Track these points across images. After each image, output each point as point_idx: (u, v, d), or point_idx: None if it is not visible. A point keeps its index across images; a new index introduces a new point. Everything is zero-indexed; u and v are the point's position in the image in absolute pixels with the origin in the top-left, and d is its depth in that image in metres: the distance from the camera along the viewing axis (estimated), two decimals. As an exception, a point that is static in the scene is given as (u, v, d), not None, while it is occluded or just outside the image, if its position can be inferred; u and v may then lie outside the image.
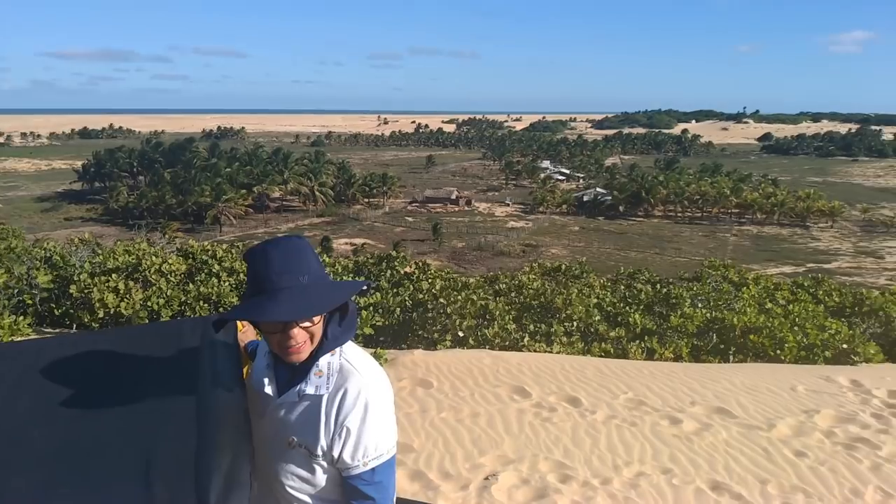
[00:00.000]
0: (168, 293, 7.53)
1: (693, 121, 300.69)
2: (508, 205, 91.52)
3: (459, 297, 8.60)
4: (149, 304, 7.32)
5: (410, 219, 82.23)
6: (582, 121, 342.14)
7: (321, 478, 1.57)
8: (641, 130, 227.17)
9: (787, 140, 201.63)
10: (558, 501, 4.16)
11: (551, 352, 7.63)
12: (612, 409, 5.72)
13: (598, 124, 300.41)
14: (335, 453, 1.52)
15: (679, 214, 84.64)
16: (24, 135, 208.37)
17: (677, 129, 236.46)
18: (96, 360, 1.64)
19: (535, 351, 7.70)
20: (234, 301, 8.06)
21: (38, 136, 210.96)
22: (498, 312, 8.36)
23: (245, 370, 1.73)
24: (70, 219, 78.83)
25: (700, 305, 9.38)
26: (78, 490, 1.31)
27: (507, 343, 7.91)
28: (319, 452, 1.53)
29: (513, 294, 9.31)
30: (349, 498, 1.57)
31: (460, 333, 8.14)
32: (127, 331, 2.01)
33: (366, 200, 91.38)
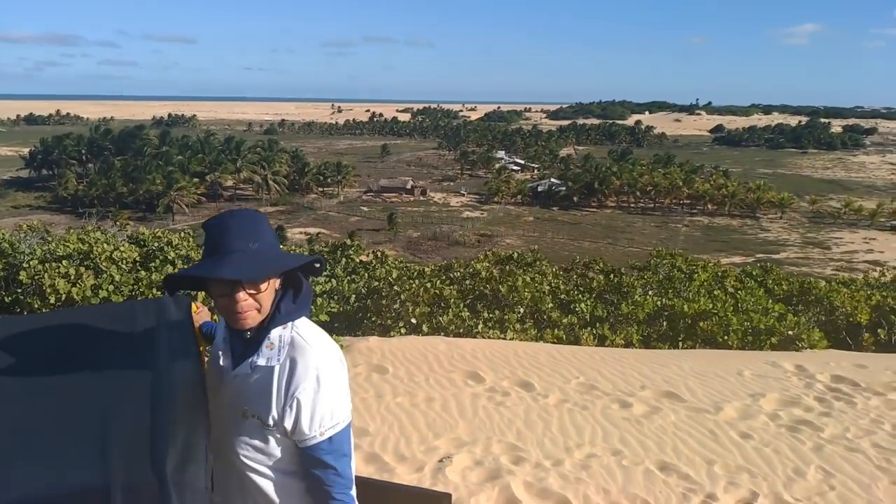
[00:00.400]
0: (119, 279, 7.31)
1: (646, 112, 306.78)
2: (463, 195, 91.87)
3: (414, 285, 8.58)
4: (100, 291, 7.10)
5: (365, 208, 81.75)
6: (537, 111, 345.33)
7: (275, 448, 1.60)
8: (595, 121, 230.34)
9: (738, 132, 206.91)
10: (511, 482, 4.19)
11: (505, 338, 7.68)
12: (564, 394, 5.79)
13: (553, 115, 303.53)
14: (287, 424, 1.55)
15: (632, 205, 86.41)
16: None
17: (631, 121, 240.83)
18: (50, 339, 1.65)
19: (488, 337, 7.75)
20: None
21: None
22: (452, 300, 8.37)
23: (201, 350, 1.74)
24: (18, 206, 76.06)
25: (650, 293, 9.58)
26: (34, 463, 1.31)
27: (461, 330, 7.93)
28: (271, 423, 1.56)
29: (467, 282, 9.33)
30: (310, 468, 1.59)
31: (414, 320, 8.13)
32: (80, 310, 2.06)
33: (320, 189, 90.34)
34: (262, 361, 1.57)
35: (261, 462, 1.61)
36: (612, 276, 10.08)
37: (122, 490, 1.27)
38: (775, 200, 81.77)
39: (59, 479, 1.29)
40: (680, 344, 8.01)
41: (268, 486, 1.62)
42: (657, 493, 4.12)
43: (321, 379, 1.55)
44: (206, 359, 1.77)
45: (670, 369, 6.50)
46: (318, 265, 1.67)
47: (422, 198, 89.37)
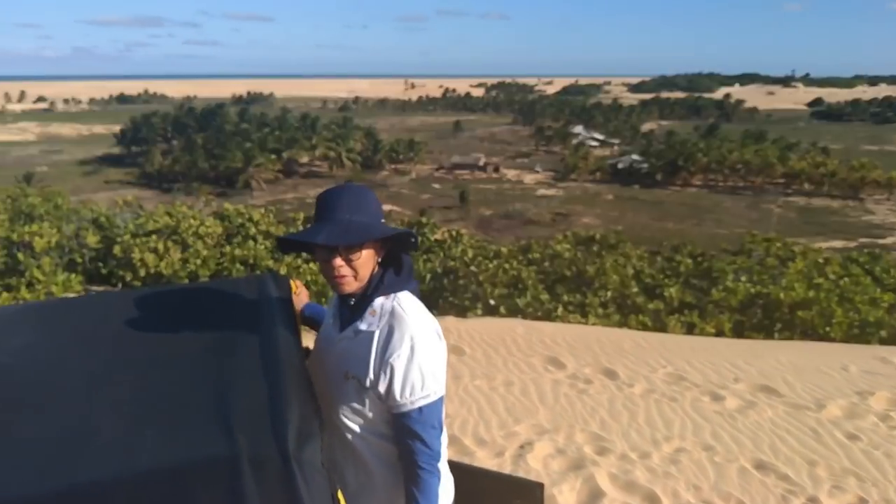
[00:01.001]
0: (205, 254, 7.61)
1: (737, 84, 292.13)
2: (538, 172, 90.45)
3: (491, 265, 8.45)
4: (187, 264, 7.42)
5: (437, 186, 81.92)
6: (617, 84, 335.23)
7: (371, 411, 1.69)
8: (681, 95, 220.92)
9: (840, 105, 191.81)
10: (595, 473, 4.04)
11: (586, 323, 7.46)
12: (651, 384, 5.56)
13: (635, 88, 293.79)
14: (381, 388, 1.63)
15: (720, 184, 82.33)
16: (66, 101, 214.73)
17: (719, 94, 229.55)
18: (164, 313, 1.79)
19: (568, 322, 7.54)
20: (270, 263, 8.18)
21: (79, 101, 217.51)
22: (531, 282, 8.19)
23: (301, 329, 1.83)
24: (109, 182, 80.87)
25: (743, 279, 9.05)
26: (163, 432, 1.35)
27: (539, 313, 7.76)
28: (368, 384, 1.65)
29: (546, 263, 9.11)
30: (399, 436, 1.67)
31: (491, 302, 8.03)
32: (189, 286, 2.14)
33: (392, 167, 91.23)
34: (363, 326, 1.69)
35: (356, 422, 1.71)
36: (700, 259, 9.59)
37: (249, 463, 1.27)
38: (882, 180, 75.03)
39: (189, 448, 1.31)
40: (776, 335, 7.50)
41: (366, 450, 1.72)
42: (753, 493, 3.88)
43: (415, 349, 1.62)
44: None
45: (766, 361, 6.12)
46: (412, 239, 1.75)
47: (495, 175, 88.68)
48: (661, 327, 7.40)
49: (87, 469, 1.26)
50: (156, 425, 1.37)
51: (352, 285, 1.66)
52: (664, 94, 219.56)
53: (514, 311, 7.80)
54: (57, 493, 1.22)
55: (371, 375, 1.64)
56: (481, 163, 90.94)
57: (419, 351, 1.62)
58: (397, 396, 1.62)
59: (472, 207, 65.87)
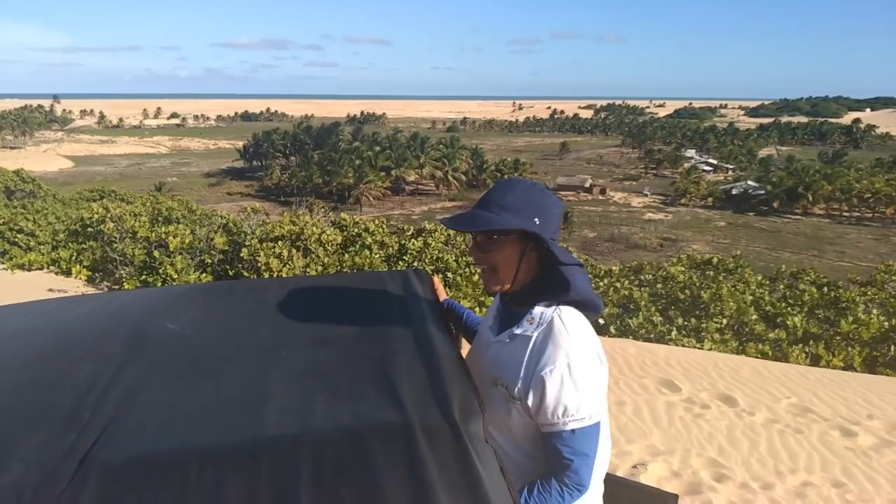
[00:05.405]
0: (325, 261, 7.99)
1: (867, 109, 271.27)
2: (646, 195, 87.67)
3: (601, 284, 8.36)
4: (307, 270, 7.80)
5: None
6: (734, 108, 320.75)
7: (516, 424, 1.59)
8: (804, 119, 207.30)
9: None
10: (713, 499, 3.93)
11: (701, 348, 7.21)
12: (774, 413, 5.30)
13: (753, 111, 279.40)
14: (529, 402, 1.52)
15: (844, 214, 76.38)
16: (196, 117, 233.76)
17: (847, 119, 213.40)
18: (317, 299, 1.91)
19: (682, 345, 7.32)
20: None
21: (208, 118, 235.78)
22: (643, 303, 8.02)
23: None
24: (231, 193, 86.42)
25: (875, 312, 8.41)
26: (335, 399, 1.39)
27: (651, 336, 7.58)
28: (515, 393, 1.55)
29: (658, 286, 8.90)
30: (548, 458, 1.55)
31: (600, 321, 7.93)
32: (338, 277, 2.24)
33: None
34: (518, 331, 1.61)
35: (502, 438, 1.60)
36: (826, 289, 9.00)
37: (421, 430, 1.29)
38: None
39: (362, 414, 1.34)
40: (915, 373, 6.93)
41: (507, 465, 1.51)
42: (891, 537, 3.63)
43: (571, 367, 1.50)
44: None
45: (904, 400, 5.67)
46: (545, 245, 1.57)
47: (601, 197, 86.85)
48: (781, 357, 7.00)
49: (270, 426, 1.30)
50: (327, 393, 1.40)
51: (493, 282, 1.63)
52: (785, 119, 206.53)
53: (624, 332, 7.66)
54: (243, 444, 1.26)
55: (520, 385, 1.54)
56: (587, 184, 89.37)
57: (575, 371, 1.50)
58: (549, 415, 1.50)
59: (576, 229, 64.73)
